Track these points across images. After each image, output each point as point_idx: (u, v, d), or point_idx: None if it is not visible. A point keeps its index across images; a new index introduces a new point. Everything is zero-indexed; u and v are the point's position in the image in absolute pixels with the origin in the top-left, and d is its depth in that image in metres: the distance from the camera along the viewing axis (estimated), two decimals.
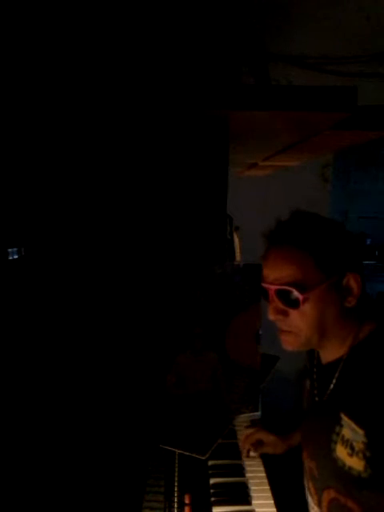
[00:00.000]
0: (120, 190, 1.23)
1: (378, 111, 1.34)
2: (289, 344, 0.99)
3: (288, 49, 1.69)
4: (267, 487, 1.20)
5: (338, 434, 0.93)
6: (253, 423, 1.44)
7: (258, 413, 1.43)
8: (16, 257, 1.14)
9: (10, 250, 1.13)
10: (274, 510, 1.11)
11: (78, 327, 1.22)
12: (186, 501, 1.11)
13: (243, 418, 1.45)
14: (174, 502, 1.10)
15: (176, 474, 1.20)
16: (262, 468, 1.28)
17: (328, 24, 1.51)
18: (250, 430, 1.35)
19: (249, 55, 1.39)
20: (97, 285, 1.23)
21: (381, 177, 2.89)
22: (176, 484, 1.16)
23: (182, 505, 1.09)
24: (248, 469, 1.27)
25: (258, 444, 1.31)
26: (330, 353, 1.00)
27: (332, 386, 0.98)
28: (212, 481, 1.20)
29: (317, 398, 1.04)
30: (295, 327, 0.96)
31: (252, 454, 1.31)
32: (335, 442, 0.93)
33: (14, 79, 1.08)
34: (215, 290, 1.35)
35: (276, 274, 0.95)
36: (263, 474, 1.25)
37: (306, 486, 1.08)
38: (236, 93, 0.99)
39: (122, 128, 1.20)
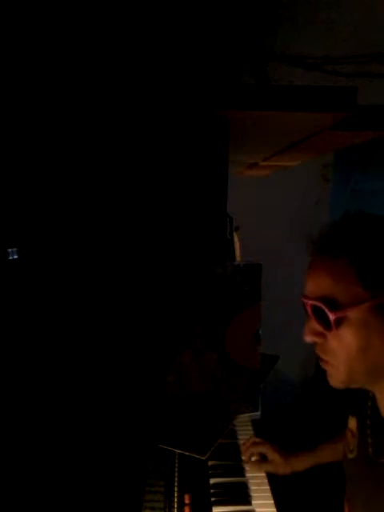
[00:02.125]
0: (120, 190, 1.23)
1: (378, 111, 1.34)
2: (329, 378, 0.82)
3: (288, 49, 1.69)
4: (267, 487, 1.19)
5: None
6: (255, 429, 1.41)
7: (258, 413, 1.43)
8: (16, 257, 1.14)
9: (9, 250, 1.14)
10: (274, 510, 1.11)
11: (78, 327, 1.22)
12: (186, 501, 1.10)
13: (243, 418, 1.45)
14: (174, 501, 1.10)
15: (176, 474, 1.20)
16: None
17: (328, 24, 1.50)
18: (255, 440, 1.30)
19: (249, 55, 1.39)
20: (97, 284, 1.23)
21: (381, 177, 2.88)
22: (176, 484, 1.16)
23: (182, 505, 1.09)
24: (248, 469, 1.27)
25: (261, 458, 1.27)
26: None
27: None
28: (212, 481, 1.20)
29: (370, 449, 0.87)
30: (332, 356, 0.80)
31: (253, 458, 1.29)
32: None
33: (13, 79, 1.08)
34: (215, 290, 1.35)
35: (311, 287, 0.81)
36: (263, 474, 1.25)
37: None
38: (236, 93, 1.00)
39: (122, 128, 1.20)
